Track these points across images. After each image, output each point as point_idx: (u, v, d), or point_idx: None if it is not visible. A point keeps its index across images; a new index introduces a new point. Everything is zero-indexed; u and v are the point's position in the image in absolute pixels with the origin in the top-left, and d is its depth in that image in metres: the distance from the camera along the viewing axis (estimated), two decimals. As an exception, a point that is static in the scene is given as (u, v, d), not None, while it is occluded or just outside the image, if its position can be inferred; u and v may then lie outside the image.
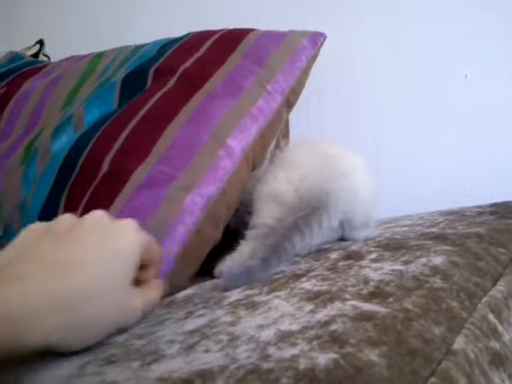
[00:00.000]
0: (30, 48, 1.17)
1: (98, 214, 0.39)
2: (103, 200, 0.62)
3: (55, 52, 1.16)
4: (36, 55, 1.16)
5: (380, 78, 0.93)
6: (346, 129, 0.95)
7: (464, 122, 0.85)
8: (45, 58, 1.17)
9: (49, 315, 0.32)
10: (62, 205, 0.66)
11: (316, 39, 0.80)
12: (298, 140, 0.74)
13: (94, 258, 0.35)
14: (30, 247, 0.36)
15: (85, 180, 0.66)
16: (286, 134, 0.89)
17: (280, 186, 0.57)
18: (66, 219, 0.39)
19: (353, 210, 0.54)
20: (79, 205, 0.64)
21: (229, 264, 0.54)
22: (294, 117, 0.92)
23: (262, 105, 0.71)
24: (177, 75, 0.73)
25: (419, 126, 0.89)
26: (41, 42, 1.17)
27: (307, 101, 0.96)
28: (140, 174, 0.62)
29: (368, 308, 0.34)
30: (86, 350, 0.36)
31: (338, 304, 0.35)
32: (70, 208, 0.64)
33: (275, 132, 0.75)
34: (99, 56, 0.86)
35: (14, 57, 1.06)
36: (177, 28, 0.84)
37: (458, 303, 0.37)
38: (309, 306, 0.35)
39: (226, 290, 0.45)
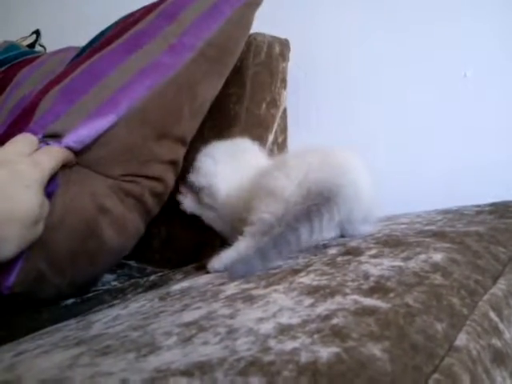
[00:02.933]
0: (26, 38, 1.16)
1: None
2: None
3: (51, 42, 1.15)
4: (32, 45, 1.15)
5: (379, 77, 0.92)
6: (345, 126, 0.95)
7: (463, 121, 0.85)
8: (41, 49, 1.16)
9: None
10: None
11: None
12: (294, 152, 0.71)
13: None
14: None
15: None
16: (284, 130, 0.88)
17: (278, 182, 0.55)
18: None
19: (354, 207, 0.54)
20: None
21: (223, 260, 0.53)
22: (294, 115, 0.91)
23: (161, 60, 0.66)
24: (98, 43, 0.72)
25: (418, 125, 0.88)
26: (37, 33, 1.16)
27: (305, 98, 0.96)
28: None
29: (369, 303, 0.34)
30: (79, 341, 0.36)
31: (338, 298, 0.35)
32: None
33: (188, 90, 0.69)
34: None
35: (10, 46, 1.05)
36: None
37: (458, 300, 0.37)
38: (308, 300, 0.35)
39: (222, 283, 0.44)
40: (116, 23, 0.82)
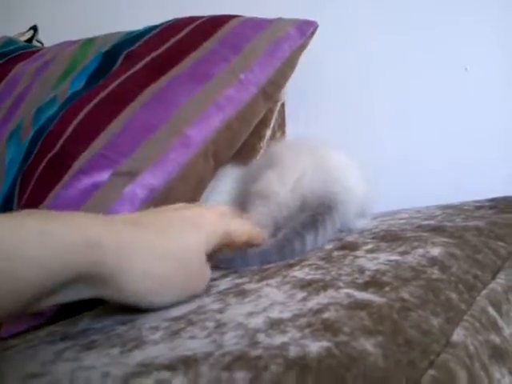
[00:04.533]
0: (23, 34, 1.15)
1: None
2: (45, 186, 0.59)
3: (49, 38, 1.14)
4: (29, 41, 1.14)
5: (380, 72, 0.91)
6: (345, 121, 0.94)
7: (465, 116, 0.84)
8: (38, 44, 1.15)
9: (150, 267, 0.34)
10: (16, 191, 0.63)
11: (304, 28, 0.75)
12: (287, 141, 0.71)
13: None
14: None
15: (36, 165, 0.62)
16: (281, 125, 0.87)
17: (271, 186, 0.54)
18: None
19: (351, 208, 0.53)
20: (26, 190, 0.61)
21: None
22: (291, 110, 0.90)
23: (232, 94, 0.66)
24: (146, 59, 0.70)
25: (420, 120, 0.87)
26: (34, 28, 1.15)
27: (304, 93, 0.95)
28: (82, 159, 0.59)
29: (363, 297, 0.33)
30: (64, 337, 0.35)
31: (331, 292, 0.34)
32: (21, 194, 0.62)
33: (247, 125, 0.70)
34: (90, 41, 0.84)
35: (7, 41, 1.04)
36: (172, 14, 0.82)
37: (456, 295, 0.36)
38: (301, 294, 0.34)
39: (215, 279, 0.43)
40: (151, 29, 0.79)
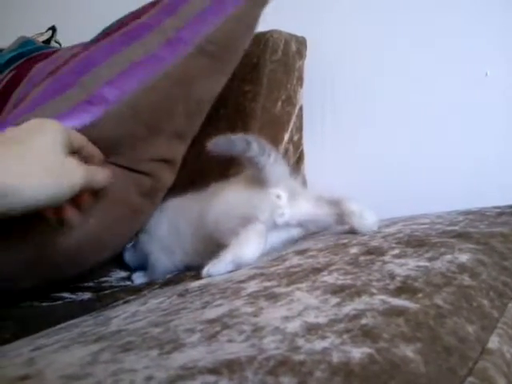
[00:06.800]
0: (42, 34, 1.16)
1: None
2: None
3: (67, 39, 1.14)
4: (48, 41, 1.15)
5: (399, 76, 0.91)
6: (362, 126, 0.93)
7: (485, 121, 0.83)
8: (56, 45, 1.16)
9: None
10: None
11: None
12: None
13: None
14: None
15: None
16: (299, 129, 0.87)
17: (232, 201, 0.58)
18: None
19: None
20: None
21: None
22: (309, 113, 0.90)
23: (158, 53, 0.64)
24: (109, 36, 0.69)
25: (439, 125, 0.87)
26: (53, 29, 1.16)
27: (323, 95, 0.95)
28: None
29: (397, 303, 0.33)
30: (98, 337, 0.35)
31: (365, 298, 0.34)
32: None
33: (183, 85, 0.66)
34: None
35: (26, 42, 1.05)
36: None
37: (488, 302, 0.36)
38: (334, 300, 0.34)
39: (242, 281, 0.43)
40: (119, 20, 0.80)
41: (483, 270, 0.41)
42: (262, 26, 0.77)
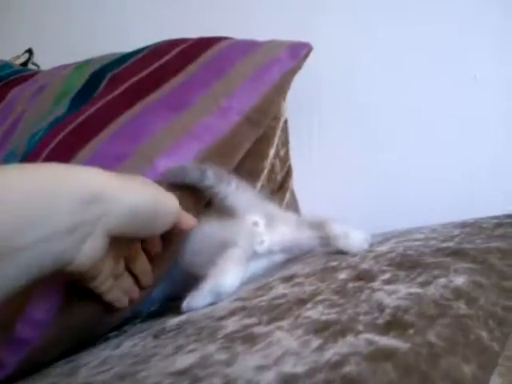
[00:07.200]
0: (18, 57, 1.13)
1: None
2: None
3: (46, 61, 1.12)
4: (25, 64, 1.12)
5: (387, 85, 0.88)
6: (350, 137, 0.91)
7: (473, 124, 0.81)
8: (34, 67, 1.13)
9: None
10: None
11: (297, 50, 0.70)
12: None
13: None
14: None
15: None
16: (285, 143, 0.84)
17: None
18: None
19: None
20: None
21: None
22: (295, 126, 0.87)
23: (211, 123, 0.62)
24: (127, 84, 0.66)
25: (429, 133, 0.84)
26: (30, 51, 1.14)
27: (306, 109, 0.92)
28: None
29: (385, 343, 0.29)
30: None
31: (350, 338, 0.30)
32: None
33: (229, 156, 0.63)
34: (85, 64, 0.82)
35: (3, 65, 1.02)
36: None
37: (487, 333, 0.33)
38: (316, 341, 0.31)
39: (222, 317, 0.40)
40: (138, 52, 0.76)
41: (481, 294, 0.37)
42: (244, 37, 0.75)
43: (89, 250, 0.38)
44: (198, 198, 0.58)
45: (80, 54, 0.90)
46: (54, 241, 0.35)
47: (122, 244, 0.46)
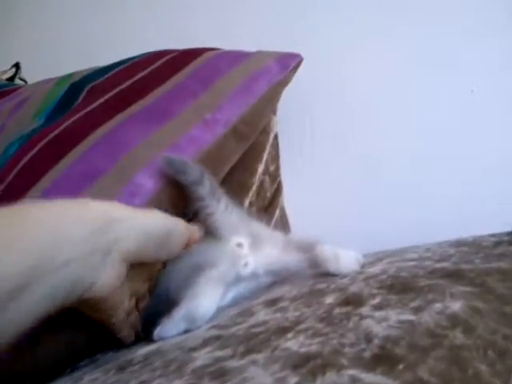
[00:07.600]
0: (5, 72, 1.11)
1: None
2: None
3: (33, 76, 1.09)
4: (12, 79, 1.10)
5: (381, 99, 0.86)
6: (342, 152, 0.88)
7: (470, 138, 0.78)
8: (21, 82, 1.11)
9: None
10: None
11: (286, 61, 0.68)
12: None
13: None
14: None
15: None
16: (275, 158, 0.81)
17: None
18: None
19: None
20: None
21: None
22: (286, 141, 0.85)
23: (195, 134, 0.59)
24: (108, 95, 0.63)
25: (425, 148, 0.82)
26: (17, 66, 1.11)
27: (299, 122, 0.89)
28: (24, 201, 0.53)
29: (371, 380, 0.26)
30: None
31: (331, 375, 0.27)
32: None
33: (216, 170, 0.60)
34: (67, 77, 0.79)
35: (-12, 81, 1.00)
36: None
37: (486, 366, 0.29)
38: (293, 379, 0.27)
39: (193, 348, 0.36)
40: (121, 63, 0.74)
41: (479, 321, 0.34)
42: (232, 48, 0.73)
43: (107, 276, 0.39)
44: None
45: (69, 68, 0.87)
46: (71, 267, 0.36)
47: (139, 275, 0.47)
